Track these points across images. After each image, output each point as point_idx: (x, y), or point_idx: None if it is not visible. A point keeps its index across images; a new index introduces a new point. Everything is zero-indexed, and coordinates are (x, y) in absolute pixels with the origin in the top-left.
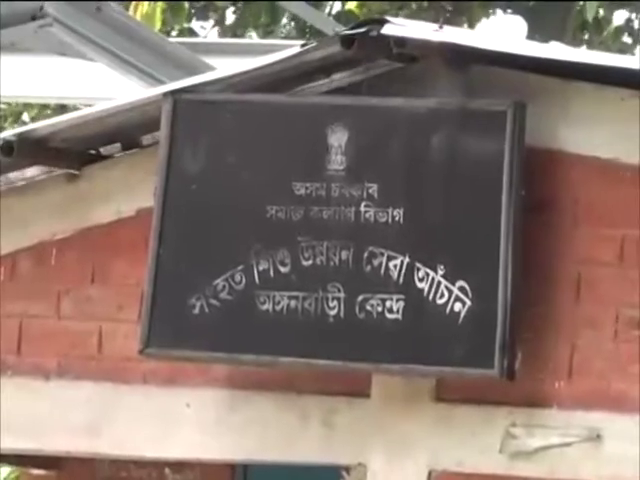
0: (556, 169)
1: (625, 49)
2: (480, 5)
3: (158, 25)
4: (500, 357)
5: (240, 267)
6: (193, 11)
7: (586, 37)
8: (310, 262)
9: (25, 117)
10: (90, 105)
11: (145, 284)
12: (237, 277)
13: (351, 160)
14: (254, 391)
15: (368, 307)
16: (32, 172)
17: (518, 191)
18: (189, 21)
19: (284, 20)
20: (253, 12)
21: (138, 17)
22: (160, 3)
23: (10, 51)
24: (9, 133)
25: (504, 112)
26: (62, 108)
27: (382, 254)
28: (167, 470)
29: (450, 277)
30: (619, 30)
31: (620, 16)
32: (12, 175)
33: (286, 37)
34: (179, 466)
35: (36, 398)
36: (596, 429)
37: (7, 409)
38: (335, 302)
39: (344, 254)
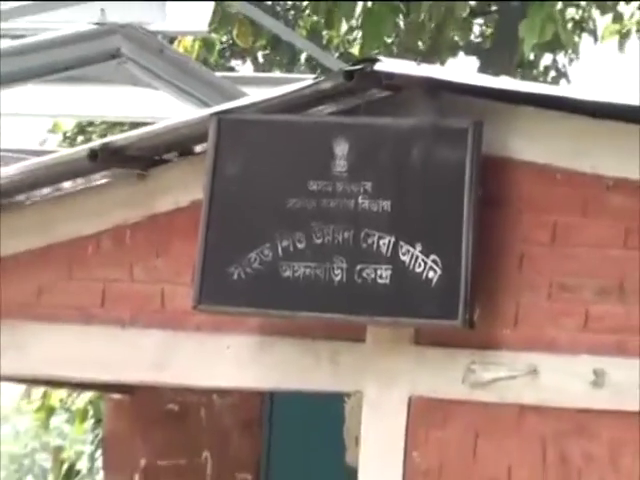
0: (505, 172)
1: (552, 83)
2: (447, 49)
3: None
4: (463, 312)
5: (267, 244)
6: (229, 53)
7: (522, 73)
8: (320, 240)
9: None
10: (155, 123)
11: (196, 257)
12: (265, 252)
13: (351, 164)
14: (279, 337)
15: (364, 274)
16: (107, 174)
17: (476, 190)
18: (228, 60)
19: (301, 61)
20: (279, 54)
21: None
22: (197, 42)
23: (95, 82)
24: (95, 144)
25: (466, 129)
26: (135, 125)
27: (375, 235)
28: (214, 396)
29: (425, 252)
30: (547, 68)
31: (547, 58)
32: (94, 176)
33: (302, 73)
34: (223, 393)
35: (115, 342)
36: (534, 365)
37: (93, 350)
38: (339, 270)
39: (346, 234)
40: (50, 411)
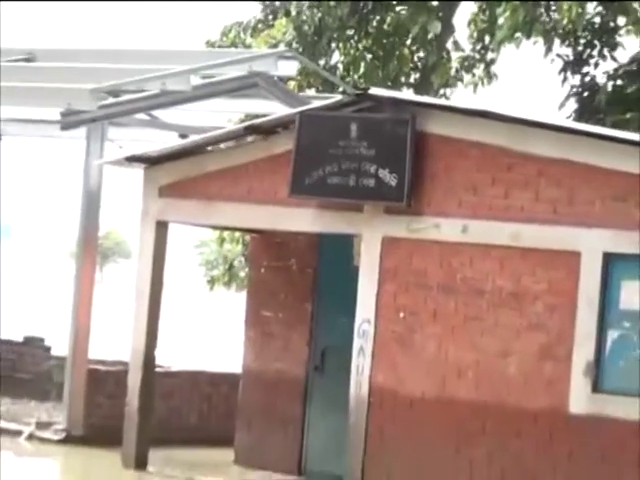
0: (437, 144)
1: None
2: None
3: None
4: (406, 199)
5: (324, 167)
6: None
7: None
8: (344, 167)
9: None
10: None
11: (289, 174)
12: (324, 170)
13: (357, 136)
14: (332, 210)
15: (363, 182)
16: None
17: (412, 146)
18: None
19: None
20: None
21: None
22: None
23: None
24: (247, 124)
25: (408, 119)
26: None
27: (367, 165)
28: (292, 260)
29: (390, 172)
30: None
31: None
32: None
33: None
34: (300, 258)
35: (261, 211)
36: (437, 222)
37: (251, 214)
38: (352, 180)
39: (355, 164)
40: None
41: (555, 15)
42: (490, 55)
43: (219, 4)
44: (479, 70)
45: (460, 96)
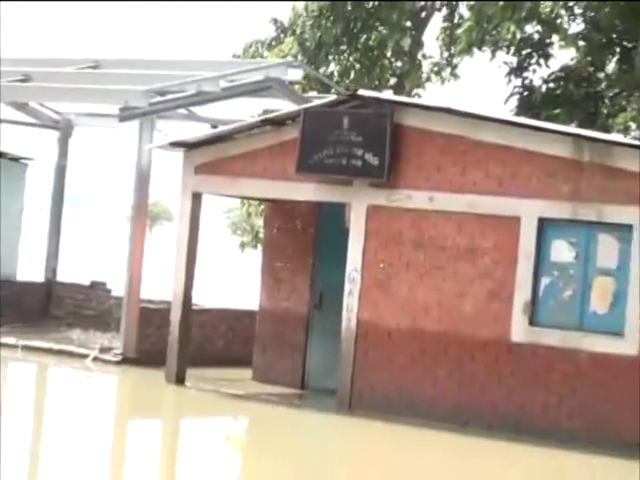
0: (410, 133)
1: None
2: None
3: None
4: (386, 175)
5: (322, 150)
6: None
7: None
8: (338, 151)
9: None
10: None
11: (296, 155)
12: (323, 153)
13: (349, 126)
14: (329, 183)
15: (353, 162)
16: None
17: (392, 135)
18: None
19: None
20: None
21: None
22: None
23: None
24: (263, 117)
25: (387, 113)
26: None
27: (355, 149)
28: (298, 221)
29: (372, 155)
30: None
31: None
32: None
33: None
34: (305, 217)
35: (273, 185)
36: (409, 194)
37: (266, 186)
38: (344, 160)
39: (346, 149)
40: None
41: (499, 34)
42: (454, 61)
43: (243, 25)
44: (446, 72)
45: (432, 94)
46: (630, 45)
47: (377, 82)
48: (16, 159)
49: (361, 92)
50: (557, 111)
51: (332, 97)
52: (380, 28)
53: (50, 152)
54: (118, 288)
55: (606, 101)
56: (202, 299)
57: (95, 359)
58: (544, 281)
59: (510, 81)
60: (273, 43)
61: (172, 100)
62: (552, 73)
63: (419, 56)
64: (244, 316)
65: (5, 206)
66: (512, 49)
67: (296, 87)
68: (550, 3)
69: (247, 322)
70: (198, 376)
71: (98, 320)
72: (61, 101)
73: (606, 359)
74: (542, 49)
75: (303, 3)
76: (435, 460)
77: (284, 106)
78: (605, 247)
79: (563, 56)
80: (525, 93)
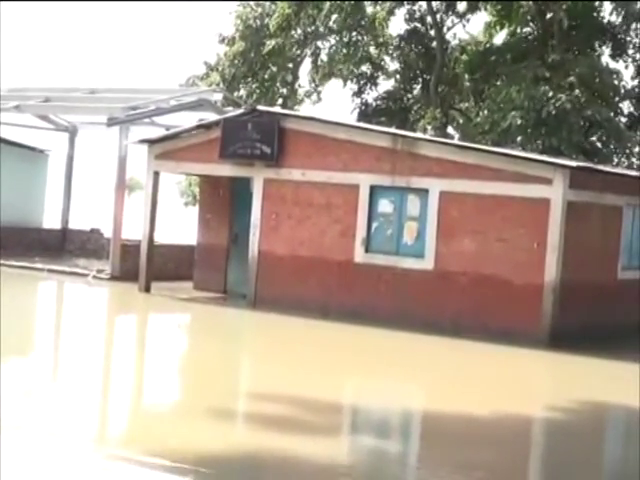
0: (290, 133)
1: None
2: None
3: None
4: (276, 159)
5: (237, 145)
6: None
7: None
8: (244, 145)
9: None
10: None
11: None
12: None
13: (255, 132)
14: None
15: (255, 152)
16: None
17: (279, 136)
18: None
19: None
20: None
21: None
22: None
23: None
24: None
25: (273, 120)
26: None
27: (257, 144)
28: (221, 190)
29: (267, 148)
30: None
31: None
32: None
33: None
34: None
35: (215, 166)
36: (290, 171)
37: (212, 168)
38: (249, 150)
39: (250, 144)
40: None
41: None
42: (319, 88)
43: (185, 64)
44: (314, 95)
45: (305, 109)
46: (428, 77)
47: (270, 102)
48: (41, 151)
49: (259, 107)
50: (382, 119)
51: (241, 111)
52: (272, 67)
53: (63, 147)
54: (108, 232)
55: (412, 112)
56: (161, 238)
57: (94, 277)
58: (374, 225)
59: (353, 100)
60: (204, 77)
61: (141, 113)
62: (379, 95)
63: (296, 85)
64: (187, 248)
65: (35, 181)
66: (354, 80)
67: (219, 104)
68: (377, 50)
69: (189, 252)
70: (159, 287)
71: (95, 253)
72: (70, 114)
73: (413, 272)
74: (373, 80)
75: (223, 50)
76: (301, 332)
77: (211, 117)
78: (412, 203)
79: (386, 84)
80: (363, 107)
